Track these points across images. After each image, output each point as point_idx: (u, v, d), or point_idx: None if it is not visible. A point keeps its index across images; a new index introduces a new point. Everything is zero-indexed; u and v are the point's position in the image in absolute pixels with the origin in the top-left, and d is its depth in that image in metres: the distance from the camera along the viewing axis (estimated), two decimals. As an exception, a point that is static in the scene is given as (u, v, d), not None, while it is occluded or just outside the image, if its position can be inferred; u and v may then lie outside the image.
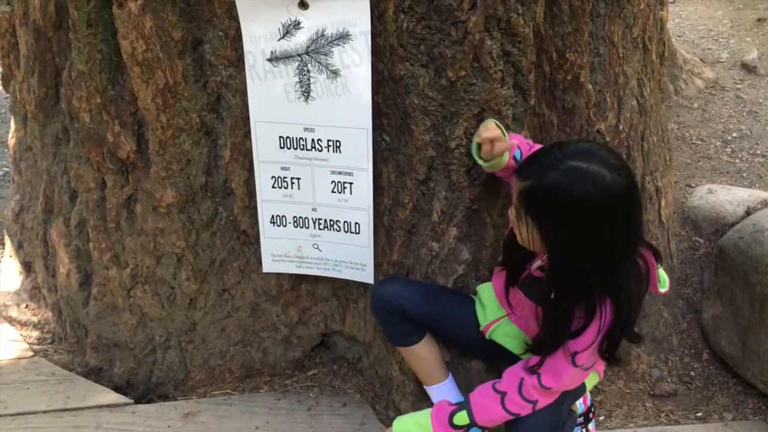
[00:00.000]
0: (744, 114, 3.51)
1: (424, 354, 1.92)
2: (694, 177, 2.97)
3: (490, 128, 1.70)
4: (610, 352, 1.59)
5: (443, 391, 1.94)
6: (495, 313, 1.82)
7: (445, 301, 1.90)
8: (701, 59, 4.02)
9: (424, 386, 1.98)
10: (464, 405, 1.68)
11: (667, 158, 2.50)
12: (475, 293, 1.93)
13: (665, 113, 2.56)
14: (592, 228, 1.44)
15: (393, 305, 1.84)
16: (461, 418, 1.66)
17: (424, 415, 1.71)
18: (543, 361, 1.61)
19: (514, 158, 1.74)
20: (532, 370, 1.62)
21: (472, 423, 1.66)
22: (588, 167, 1.43)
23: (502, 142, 1.67)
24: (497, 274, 1.86)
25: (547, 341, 1.61)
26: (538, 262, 1.70)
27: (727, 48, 4.21)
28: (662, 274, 1.63)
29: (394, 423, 1.74)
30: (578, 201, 1.43)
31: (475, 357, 2.00)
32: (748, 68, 3.95)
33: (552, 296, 1.57)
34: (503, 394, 1.64)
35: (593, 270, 1.48)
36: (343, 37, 1.78)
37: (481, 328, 1.85)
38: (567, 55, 1.92)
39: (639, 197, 1.51)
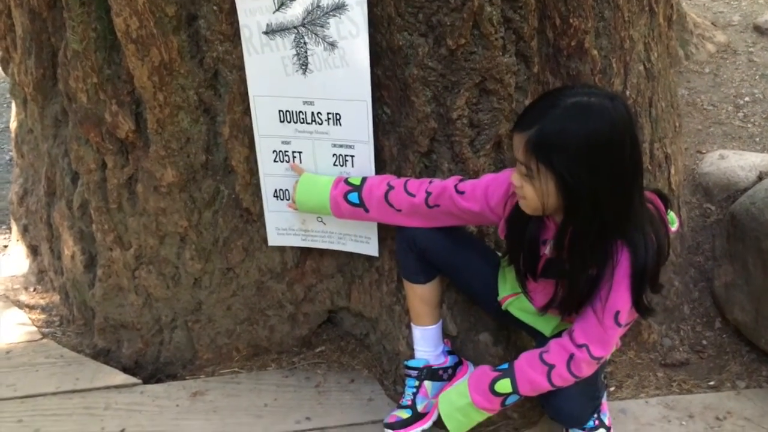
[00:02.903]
0: (756, 78, 3.44)
1: (423, 296, 1.90)
2: (705, 143, 2.92)
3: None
4: (638, 302, 1.55)
5: (425, 334, 1.94)
6: (514, 288, 1.79)
7: (470, 257, 1.86)
8: (712, 22, 3.93)
9: (411, 324, 1.97)
10: (508, 373, 1.64)
11: (677, 124, 2.44)
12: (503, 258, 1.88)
13: (674, 78, 2.51)
14: (603, 160, 1.42)
15: (416, 243, 1.82)
16: (504, 385, 1.63)
17: (463, 381, 1.69)
18: (582, 325, 1.58)
19: (349, 200, 1.80)
20: (578, 344, 1.57)
21: (515, 392, 1.63)
22: (589, 100, 1.43)
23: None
24: None
25: (570, 298, 1.58)
26: (549, 246, 1.62)
27: (738, 10, 4.12)
28: (671, 214, 1.61)
29: (441, 395, 1.73)
30: (589, 133, 1.41)
31: (489, 316, 1.99)
32: (760, 31, 3.86)
33: (568, 246, 1.53)
34: (551, 366, 1.60)
35: (607, 208, 1.45)
36: (339, 7, 1.74)
37: (499, 298, 1.82)
38: (570, 20, 1.87)
39: (636, 124, 1.50)
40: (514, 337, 2.02)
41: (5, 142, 3.59)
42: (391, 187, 1.78)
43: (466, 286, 1.94)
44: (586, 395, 1.74)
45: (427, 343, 1.96)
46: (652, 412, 2.02)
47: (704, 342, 2.27)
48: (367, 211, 1.80)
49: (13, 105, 2.61)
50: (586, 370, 1.61)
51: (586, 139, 1.41)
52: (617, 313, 1.54)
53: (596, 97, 1.44)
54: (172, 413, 2.09)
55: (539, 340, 1.83)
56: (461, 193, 1.71)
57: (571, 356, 1.58)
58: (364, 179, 1.82)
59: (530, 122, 1.46)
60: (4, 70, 2.50)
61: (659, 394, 2.09)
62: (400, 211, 1.77)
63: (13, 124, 2.67)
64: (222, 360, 2.30)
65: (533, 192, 1.50)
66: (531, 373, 1.61)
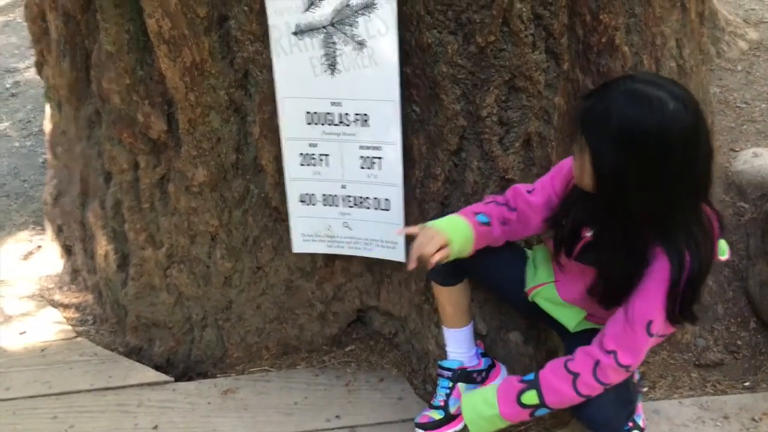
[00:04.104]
0: (790, 75, 3.38)
1: (453, 297, 1.89)
2: (738, 141, 2.87)
3: (434, 249, 1.65)
4: (675, 314, 1.49)
5: (458, 336, 1.92)
6: (543, 277, 1.77)
7: (498, 251, 1.81)
8: (744, 20, 3.87)
9: (443, 327, 1.96)
10: (533, 384, 1.57)
11: (710, 122, 2.41)
12: (531, 250, 1.88)
13: (707, 76, 2.47)
14: (639, 157, 1.37)
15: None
16: (530, 397, 1.56)
17: (491, 391, 1.62)
18: (612, 330, 1.53)
19: (481, 222, 1.71)
20: (607, 350, 1.52)
21: (542, 404, 1.56)
22: (650, 91, 1.38)
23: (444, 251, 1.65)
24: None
25: (604, 289, 1.56)
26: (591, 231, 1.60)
27: (771, 7, 4.05)
28: (722, 243, 1.55)
29: (463, 398, 1.67)
30: (630, 122, 1.37)
31: (517, 313, 1.98)
32: (794, 27, 3.79)
33: (599, 229, 1.52)
34: (576, 375, 1.53)
35: (638, 204, 1.41)
36: (368, 6, 1.74)
37: (526, 288, 1.80)
38: (601, 17, 1.86)
39: (707, 140, 1.41)
40: (544, 336, 2.01)
41: (39, 145, 3.66)
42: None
43: (494, 282, 1.92)
44: (619, 401, 1.65)
45: (459, 345, 1.95)
46: (687, 412, 1.99)
47: (739, 342, 2.23)
48: (493, 229, 1.75)
49: (47, 107, 2.66)
50: (614, 377, 1.54)
51: (627, 125, 1.37)
52: (650, 322, 1.49)
53: (662, 92, 1.37)
54: (204, 410, 2.11)
55: (565, 338, 1.81)
56: (530, 192, 1.72)
57: (597, 363, 1.52)
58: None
59: (593, 94, 1.47)
60: (39, 73, 2.55)
61: (693, 394, 2.06)
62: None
63: (47, 126, 2.72)
64: (252, 358, 2.31)
65: (575, 164, 1.51)
66: (556, 383, 1.55)
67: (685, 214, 1.45)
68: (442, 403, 1.92)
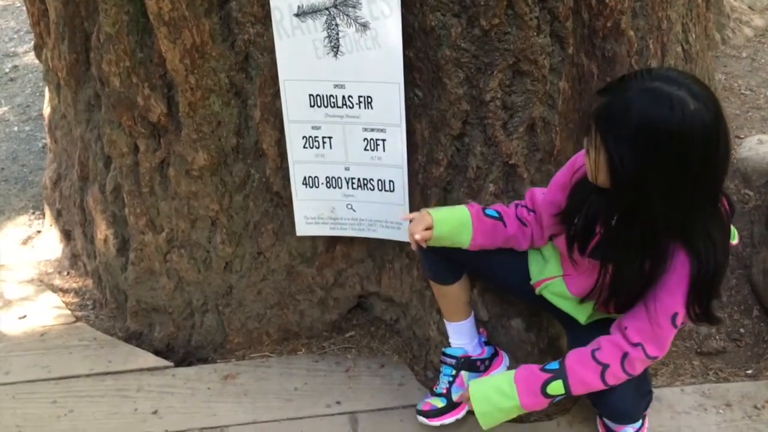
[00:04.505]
0: (795, 62, 3.35)
1: (453, 294, 1.88)
2: (743, 128, 2.85)
3: (420, 228, 1.70)
4: (697, 312, 1.49)
5: (459, 328, 1.92)
6: (552, 271, 1.75)
7: (499, 250, 1.79)
8: (749, 6, 3.84)
9: (444, 319, 1.95)
10: (560, 374, 1.55)
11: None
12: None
13: (712, 61, 2.45)
14: (659, 152, 1.34)
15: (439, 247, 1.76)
16: (556, 387, 1.55)
17: (506, 381, 1.59)
18: (636, 324, 1.52)
19: (488, 215, 1.73)
20: (633, 342, 1.52)
21: (567, 393, 1.55)
22: (670, 90, 1.34)
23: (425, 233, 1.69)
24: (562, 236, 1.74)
25: (617, 287, 1.53)
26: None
27: (777, -6, 4.01)
28: (731, 228, 1.54)
29: (472, 386, 1.63)
30: (650, 123, 1.33)
31: (520, 302, 1.96)
32: (799, 14, 3.76)
33: (614, 227, 1.49)
34: (605, 366, 1.53)
35: (658, 204, 1.39)
36: (371, -13, 1.72)
37: (533, 281, 1.78)
38: (607, 0, 1.83)
39: (726, 139, 1.38)
40: (547, 323, 2.00)
41: (39, 130, 3.63)
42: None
43: (495, 276, 1.89)
44: (640, 392, 1.69)
45: (462, 336, 1.94)
46: (688, 400, 1.98)
47: (742, 330, 2.22)
48: (505, 225, 1.74)
49: (47, 91, 2.64)
50: (640, 368, 1.56)
51: (647, 126, 1.34)
52: (675, 314, 1.48)
53: (682, 91, 1.33)
54: (204, 395, 2.10)
55: (571, 328, 1.79)
56: (544, 193, 1.73)
57: (625, 355, 1.52)
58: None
59: (609, 90, 1.43)
60: (38, 56, 2.52)
61: (695, 382, 2.06)
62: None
63: (46, 110, 2.70)
64: (252, 344, 2.30)
65: (588, 160, 1.46)
66: (583, 373, 1.54)
67: (704, 212, 1.43)
68: (444, 391, 1.91)
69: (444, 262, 1.83)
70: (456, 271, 1.86)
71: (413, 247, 1.75)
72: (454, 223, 1.71)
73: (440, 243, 1.73)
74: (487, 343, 1.98)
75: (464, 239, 1.72)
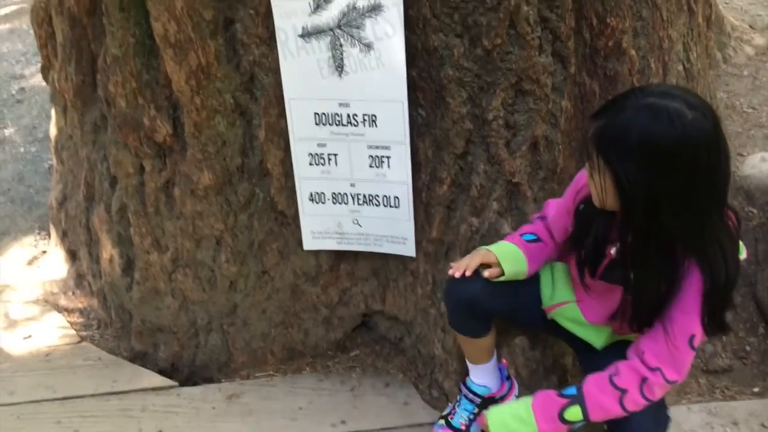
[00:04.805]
0: (797, 80, 3.37)
1: (482, 345, 1.84)
2: (746, 146, 2.86)
3: (477, 261, 1.68)
4: (710, 323, 1.46)
5: (486, 369, 1.88)
6: (563, 296, 1.72)
7: (517, 292, 1.75)
8: (750, 25, 3.86)
9: (468, 362, 1.92)
10: (577, 399, 1.52)
11: (717, 126, 2.40)
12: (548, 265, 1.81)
13: (713, 80, 2.47)
14: (665, 167, 1.33)
15: (465, 304, 1.73)
16: (574, 413, 1.51)
17: (523, 407, 1.55)
18: (653, 348, 1.49)
19: (528, 240, 1.71)
20: (651, 367, 1.48)
21: (585, 419, 1.51)
22: (666, 104, 1.33)
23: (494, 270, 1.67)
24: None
25: (635, 310, 1.51)
26: (616, 247, 1.54)
27: (777, 13, 4.04)
28: (739, 241, 1.52)
29: (489, 413, 1.60)
30: (653, 139, 1.32)
31: (534, 331, 1.94)
32: (800, 33, 3.78)
33: (628, 248, 1.46)
34: (623, 391, 1.49)
35: (669, 221, 1.37)
36: (374, 8, 1.74)
37: (544, 306, 1.76)
38: (608, 20, 1.85)
39: (725, 144, 1.38)
40: (551, 341, 1.99)
41: (45, 151, 3.65)
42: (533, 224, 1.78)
43: (513, 315, 1.84)
44: (657, 418, 1.63)
45: (486, 376, 1.89)
46: (695, 418, 1.97)
47: (748, 348, 2.21)
48: (545, 243, 1.74)
49: (53, 112, 2.66)
50: (659, 393, 1.52)
51: (650, 142, 1.33)
52: (692, 336, 1.46)
53: (677, 102, 1.33)
54: (209, 415, 2.10)
55: (584, 351, 1.76)
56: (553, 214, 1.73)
57: (644, 380, 1.49)
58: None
59: (603, 113, 1.41)
60: (45, 78, 2.55)
61: (702, 400, 2.04)
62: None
63: (52, 132, 2.72)
64: (257, 363, 2.30)
65: (593, 184, 1.45)
66: (602, 399, 1.51)
67: (714, 222, 1.42)
68: (462, 427, 1.88)
69: (471, 318, 1.77)
70: (486, 326, 1.81)
71: (456, 273, 1.69)
72: (511, 259, 1.69)
73: (505, 278, 1.70)
74: (508, 378, 1.94)
75: (524, 271, 1.71)
